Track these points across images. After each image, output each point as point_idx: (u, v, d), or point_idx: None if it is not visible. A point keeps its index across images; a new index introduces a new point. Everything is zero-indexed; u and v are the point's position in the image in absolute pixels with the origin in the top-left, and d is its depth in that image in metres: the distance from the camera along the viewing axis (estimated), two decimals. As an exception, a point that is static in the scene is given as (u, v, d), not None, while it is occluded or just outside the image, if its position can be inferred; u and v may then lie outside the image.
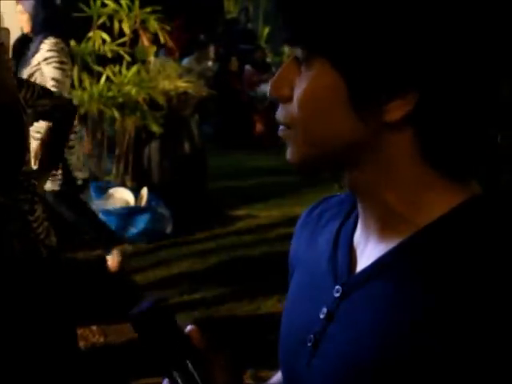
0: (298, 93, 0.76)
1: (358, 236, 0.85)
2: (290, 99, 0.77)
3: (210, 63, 9.01)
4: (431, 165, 0.76)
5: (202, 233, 5.75)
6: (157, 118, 5.80)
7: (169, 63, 6.49)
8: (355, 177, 0.79)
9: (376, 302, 0.77)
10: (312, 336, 0.83)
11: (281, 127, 0.80)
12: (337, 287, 0.83)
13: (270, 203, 6.47)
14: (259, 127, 9.12)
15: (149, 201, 5.72)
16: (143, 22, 5.96)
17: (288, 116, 0.78)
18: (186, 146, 6.32)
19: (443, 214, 0.76)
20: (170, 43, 6.16)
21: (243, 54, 10.44)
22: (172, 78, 6.10)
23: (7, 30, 2.36)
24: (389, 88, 0.72)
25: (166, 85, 5.96)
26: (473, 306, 0.69)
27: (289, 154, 0.80)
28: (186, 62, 8.00)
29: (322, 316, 0.83)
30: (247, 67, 10.03)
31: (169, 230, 5.61)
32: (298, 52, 0.76)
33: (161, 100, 5.78)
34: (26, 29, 5.28)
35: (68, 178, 4.55)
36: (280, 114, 0.79)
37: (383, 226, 0.80)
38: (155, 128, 5.74)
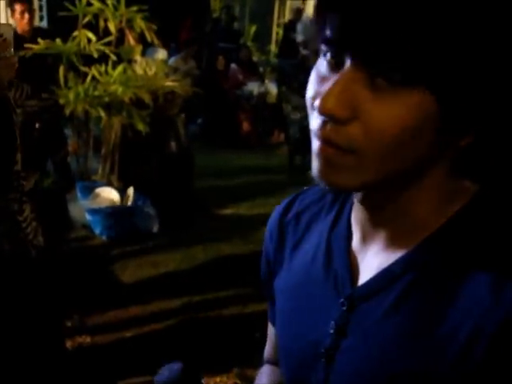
0: (383, 118, 0.67)
1: (357, 242, 0.83)
2: (349, 120, 0.68)
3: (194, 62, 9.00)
4: (461, 176, 0.75)
5: (189, 232, 5.75)
6: (143, 117, 5.79)
7: (155, 62, 6.48)
8: (388, 194, 0.76)
9: (392, 314, 0.75)
10: (323, 351, 0.82)
11: (331, 150, 0.70)
12: (341, 300, 0.81)
13: (257, 202, 6.48)
14: (246, 126, 9.12)
15: (135, 200, 5.72)
16: (129, 21, 5.95)
17: (353, 139, 0.69)
18: (173, 145, 6.32)
19: (451, 217, 0.75)
20: (157, 41, 6.14)
21: (228, 52, 10.44)
22: (158, 77, 6.10)
23: (10, 26, 2.36)
24: (475, 119, 0.70)
25: (152, 84, 5.95)
26: (503, 315, 0.67)
27: (340, 178, 0.71)
28: (172, 61, 7.98)
29: (331, 331, 0.81)
30: (233, 66, 10.02)
31: (155, 229, 5.61)
32: (387, 79, 0.67)
33: (147, 99, 5.76)
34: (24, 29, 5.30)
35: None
36: (337, 135, 0.69)
37: (393, 235, 0.78)
38: (141, 127, 5.73)
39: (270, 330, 1.10)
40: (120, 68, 5.73)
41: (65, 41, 5.56)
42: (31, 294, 2.44)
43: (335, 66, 0.70)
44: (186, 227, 5.81)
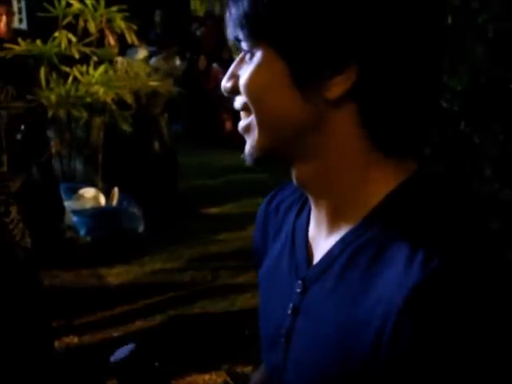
0: (242, 80, 0.80)
1: (312, 229, 0.88)
2: (238, 91, 0.81)
3: (177, 62, 8.99)
4: (374, 143, 0.78)
5: (174, 231, 5.74)
6: (126, 118, 5.77)
7: (136, 62, 6.47)
8: (304, 168, 0.82)
9: (332, 294, 0.79)
10: (284, 331, 0.86)
11: (242, 119, 0.83)
12: (298, 282, 0.86)
13: (241, 201, 6.49)
14: (228, 125, 9.12)
15: (120, 200, 5.70)
16: (109, 21, 5.93)
17: (242, 102, 0.81)
18: (156, 145, 6.31)
19: (385, 197, 0.79)
20: (136, 41, 6.12)
21: (210, 52, 10.43)
22: (140, 77, 6.08)
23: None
24: (327, 65, 0.75)
25: (134, 84, 5.94)
26: (427, 288, 0.68)
27: (247, 147, 0.83)
28: (153, 61, 7.97)
29: (289, 311, 0.86)
30: (214, 65, 10.02)
31: (141, 229, 5.60)
32: (244, 46, 0.80)
33: (129, 99, 5.75)
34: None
35: None
36: (238, 101, 0.82)
37: (333, 217, 0.83)
38: (125, 127, 5.71)
39: None
40: (101, 68, 5.71)
41: (45, 42, 5.53)
42: (19, 295, 2.43)
43: None
44: (171, 227, 5.81)
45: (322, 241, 0.85)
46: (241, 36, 0.79)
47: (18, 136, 2.96)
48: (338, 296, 0.79)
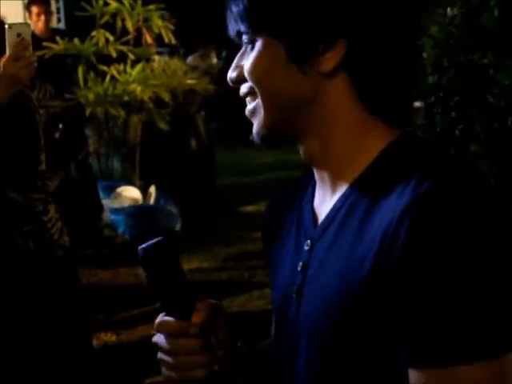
0: (246, 67, 0.91)
1: (317, 199, 0.98)
2: (243, 79, 0.93)
3: (214, 60, 8.99)
4: (367, 108, 0.89)
5: (211, 230, 5.74)
6: (163, 116, 5.79)
7: (173, 61, 6.48)
8: (307, 144, 0.93)
9: (335, 241, 0.90)
10: (295, 288, 0.95)
11: (249, 104, 0.94)
12: (307, 242, 0.95)
13: (278, 198, 6.46)
14: (265, 123, 9.08)
15: (157, 199, 5.72)
16: (146, 20, 5.95)
17: (248, 87, 0.92)
18: (193, 143, 6.32)
19: (378, 155, 0.90)
20: (174, 40, 6.13)
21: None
22: (177, 76, 6.09)
23: (28, 25, 2.36)
24: (319, 42, 0.87)
25: (171, 82, 5.95)
26: (412, 230, 0.78)
27: (255, 128, 0.93)
28: (190, 59, 7.99)
29: (299, 269, 0.95)
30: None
31: (178, 227, 5.61)
32: (245, 39, 0.92)
33: (166, 97, 5.76)
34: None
35: None
36: (245, 87, 0.93)
37: (334, 183, 0.93)
38: (162, 125, 5.73)
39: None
40: (138, 67, 5.73)
41: (83, 41, 5.57)
42: (58, 293, 2.44)
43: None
44: (208, 225, 5.80)
45: (326, 204, 0.95)
46: (242, 29, 0.91)
47: (57, 135, 2.98)
48: (340, 241, 0.89)
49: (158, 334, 0.96)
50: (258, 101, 0.92)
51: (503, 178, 1.77)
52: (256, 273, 4.81)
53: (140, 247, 0.93)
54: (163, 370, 0.96)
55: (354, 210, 0.89)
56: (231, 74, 0.95)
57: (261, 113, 0.92)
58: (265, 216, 1.13)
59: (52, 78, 3.88)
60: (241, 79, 0.93)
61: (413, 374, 0.80)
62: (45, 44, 5.17)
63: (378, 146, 0.90)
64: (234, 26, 0.92)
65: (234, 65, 0.94)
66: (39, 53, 4.77)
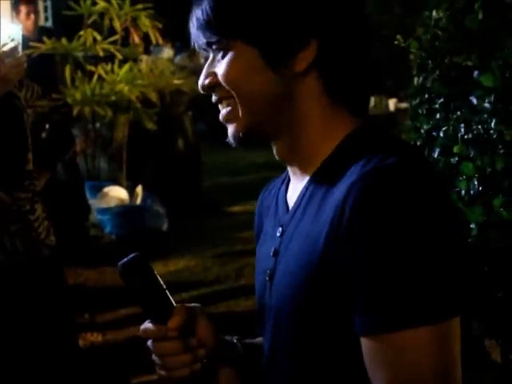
0: (222, 73, 0.95)
1: (290, 191, 1.06)
2: (216, 84, 0.97)
3: (202, 60, 8.98)
4: (332, 102, 0.96)
5: (199, 229, 5.74)
6: (150, 116, 5.78)
7: (161, 61, 6.47)
8: (281, 143, 1.00)
9: (299, 224, 0.97)
10: (268, 272, 1.02)
11: (223, 109, 0.99)
12: (279, 228, 1.03)
13: (266, 199, 6.47)
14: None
15: (144, 199, 5.71)
16: (134, 20, 5.93)
17: (224, 91, 0.96)
18: (180, 144, 6.31)
19: (338, 143, 0.96)
20: (161, 40, 6.13)
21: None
22: (165, 76, 6.09)
23: (18, 26, 2.38)
24: (293, 43, 0.93)
25: (158, 82, 5.94)
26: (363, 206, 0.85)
27: (231, 132, 0.99)
28: (178, 59, 7.98)
29: (271, 254, 1.02)
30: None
31: (164, 227, 5.60)
32: (214, 48, 0.96)
33: (154, 97, 5.76)
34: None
35: None
36: (220, 92, 0.97)
37: (303, 170, 1.00)
38: (149, 125, 5.72)
39: None
40: (126, 67, 5.72)
41: (70, 40, 5.55)
42: (45, 293, 2.44)
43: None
44: (195, 225, 5.80)
45: (296, 193, 1.02)
46: (211, 38, 0.95)
47: (43, 134, 2.97)
48: (301, 224, 0.96)
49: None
50: (234, 105, 0.97)
51: (486, 179, 1.78)
52: (243, 273, 4.82)
53: (119, 263, 1.02)
54: (156, 369, 1.04)
55: (315, 195, 0.96)
56: (203, 81, 0.98)
57: (238, 116, 0.97)
58: (256, 213, 1.21)
59: (39, 78, 3.88)
60: (213, 86, 0.97)
61: (365, 343, 0.86)
62: (32, 44, 5.15)
63: (341, 136, 0.97)
64: (200, 36, 0.96)
65: (204, 73, 0.98)
66: (27, 52, 4.76)
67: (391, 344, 0.84)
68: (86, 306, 4.10)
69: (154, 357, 1.02)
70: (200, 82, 0.99)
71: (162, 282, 1.03)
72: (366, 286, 0.84)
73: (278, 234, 1.02)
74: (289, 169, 1.04)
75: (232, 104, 0.97)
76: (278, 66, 0.94)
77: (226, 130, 1.01)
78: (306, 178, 1.00)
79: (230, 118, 0.98)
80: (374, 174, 0.86)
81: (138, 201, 5.71)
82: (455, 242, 0.86)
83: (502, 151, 1.73)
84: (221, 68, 0.96)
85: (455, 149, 1.82)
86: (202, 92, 1.00)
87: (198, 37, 0.97)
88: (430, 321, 0.82)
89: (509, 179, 1.73)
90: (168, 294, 1.02)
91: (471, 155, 1.79)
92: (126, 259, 1.02)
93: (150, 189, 5.81)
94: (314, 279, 0.90)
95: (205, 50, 0.99)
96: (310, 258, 0.91)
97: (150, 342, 1.01)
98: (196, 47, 1.00)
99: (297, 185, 1.03)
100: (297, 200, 1.00)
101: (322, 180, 0.96)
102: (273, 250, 1.02)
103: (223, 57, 0.96)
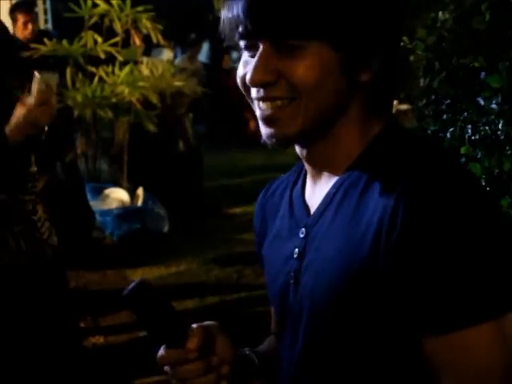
0: (297, 72, 0.92)
1: (309, 191, 1.05)
2: (277, 81, 0.94)
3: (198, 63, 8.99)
4: (367, 107, 0.98)
5: (200, 231, 5.73)
6: (151, 118, 5.78)
7: (161, 62, 6.47)
8: (319, 146, 0.99)
9: (331, 226, 0.97)
10: (292, 274, 1.01)
11: (273, 108, 0.95)
12: (301, 230, 1.01)
13: (266, 200, 6.46)
14: (252, 125, 9.10)
15: (145, 200, 5.71)
16: (135, 22, 5.93)
17: (289, 90, 0.94)
18: (181, 145, 6.31)
19: (367, 145, 0.98)
20: (162, 41, 6.13)
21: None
22: (165, 78, 6.09)
23: (55, 75, 2.53)
24: (372, 54, 0.94)
25: (159, 84, 5.94)
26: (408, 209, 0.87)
27: (282, 130, 0.95)
28: (178, 60, 7.98)
29: (295, 256, 1.01)
30: (237, 65, 9.99)
31: (166, 229, 5.60)
32: (292, 42, 0.92)
33: (154, 99, 5.76)
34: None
35: None
36: (275, 91, 0.94)
37: (328, 171, 1.00)
38: (150, 127, 5.72)
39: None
40: (127, 69, 5.72)
41: (71, 42, 5.55)
42: (50, 293, 2.45)
43: (252, 51, 0.96)
44: (196, 227, 5.80)
45: (318, 195, 1.01)
46: (294, 36, 0.92)
47: (43, 137, 2.99)
48: (337, 225, 0.95)
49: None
50: (296, 105, 0.94)
51: (493, 180, 1.79)
52: (244, 274, 4.81)
53: (123, 294, 0.97)
54: None
55: (349, 195, 0.96)
56: (263, 76, 0.94)
57: (296, 116, 0.94)
58: (256, 215, 1.20)
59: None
60: (273, 82, 0.94)
61: (427, 343, 0.88)
62: (32, 45, 5.14)
63: (370, 137, 0.99)
64: (271, 29, 0.92)
65: (262, 67, 0.94)
66: (27, 54, 4.76)
67: (457, 343, 0.86)
68: (88, 309, 4.10)
69: (174, 382, 1.00)
70: (256, 76, 0.94)
71: (170, 304, 0.99)
72: (428, 288, 0.86)
73: (302, 236, 1.01)
74: (310, 171, 1.04)
75: (292, 103, 0.94)
76: (352, 72, 0.94)
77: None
78: (331, 179, 1.00)
79: (281, 116, 0.95)
80: (425, 182, 0.88)
81: (139, 202, 5.71)
82: (506, 242, 0.90)
83: (509, 152, 1.74)
84: (297, 67, 0.93)
85: (462, 150, 1.83)
86: (251, 86, 0.96)
87: (278, 26, 0.92)
88: (492, 316, 0.86)
89: (516, 180, 1.73)
90: (179, 315, 0.99)
91: (478, 156, 1.79)
92: (128, 289, 0.98)
93: (150, 190, 5.80)
94: (358, 279, 0.91)
95: (257, 41, 0.94)
96: (354, 257, 0.91)
97: (168, 368, 0.99)
98: (242, 34, 0.95)
99: (317, 186, 1.02)
100: (324, 200, 0.99)
101: (355, 180, 0.96)
102: (296, 251, 1.01)
103: (295, 55, 0.93)
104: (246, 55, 0.98)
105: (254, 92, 0.97)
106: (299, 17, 0.90)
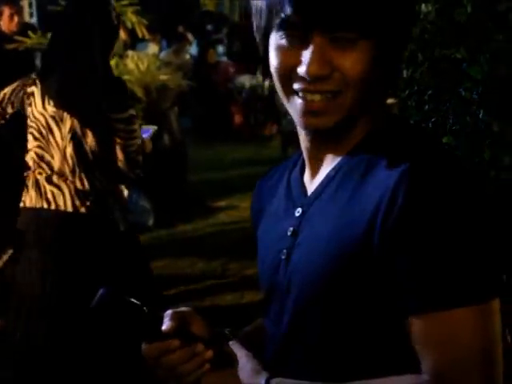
0: (352, 63, 0.95)
1: (307, 174, 1.07)
2: (331, 74, 0.95)
3: (187, 56, 8.98)
4: (378, 98, 1.03)
5: (184, 225, 5.75)
6: (136, 111, 5.76)
7: (146, 56, 6.46)
8: (337, 128, 1.00)
9: (329, 205, 0.99)
10: (285, 251, 1.04)
11: (322, 100, 0.97)
12: (297, 209, 1.04)
13: (250, 194, 6.44)
14: (238, 119, 9.11)
15: (130, 194, 5.69)
16: (120, 15, 5.90)
17: (341, 83, 0.96)
18: (166, 139, 6.31)
19: (368, 132, 1.01)
20: (147, 35, 6.11)
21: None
22: (150, 71, 6.08)
23: (149, 131, 2.77)
24: (401, 52, 1.03)
25: (144, 78, 5.93)
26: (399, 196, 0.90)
27: (320, 122, 0.98)
28: (163, 54, 7.97)
29: (289, 234, 1.04)
30: (223, 59, 10.01)
31: (150, 222, 5.60)
32: (345, 36, 0.95)
33: (139, 93, 5.75)
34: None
35: None
36: (326, 85, 0.96)
37: (328, 156, 1.03)
38: (135, 120, 5.69)
39: None
40: (112, 62, 5.69)
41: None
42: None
43: (300, 41, 0.96)
44: (181, 220, 5.81)
45: (317, 177, 1.04)
46: (349, 27, 0.94)
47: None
48: (334, 205, 0.98)
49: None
50: (344, 96, 0.97)
51: (475, 169, 1.82)
52: (229, 267, 4.83)
53: (91, 307, 0.98)
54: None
55: (349, 177, 0.99)
56: (321, 70, 0.95)
57: (342, 107, 0.98)
58: (253, 199, 1.24)
59: (23, 73, 3.86)
60: (328, 76, 0.96)
61: (413, 322, 0.91)
62: (17, 38, 5.12)
63: (370, 123, 1.02)
64: (326, 21, 0.93)
65: (320, 60, 0.95)
66: (12, 45, 4.74)
67: (440, 323, 0.90)
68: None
69: (162, 372, 1.03)
70: (314, 69, 0.95)
71: (137, 302, 1.00)
72: (418, 269, 0.90)
73: (298, 215, 1.04)
74: (311, 154, 1.05)
75: (339, 96, 0.97)
76: (387, 66, 1.00)
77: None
78: (330, 163, 1.03)
79: (328, 109, 0.98)
80: (423, 168, 0.92)
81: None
82: (493, 233, 0.94)
83: (489, 141, 1.77)
84: (349, 60, 0.95)
85: (444, 139, 1.86)
86: (308, 78, 0.96)
87: (336, 19, 0.93)
88: (476, 301, 0.89)
89: (496, 169, 1.76)
90: (148, 309, 1.00)
91: (459, 145, 1.82)
92: (95, 300, 0.98)
93: (135, 184, 5.80)
94: (350, 257, 0.94)
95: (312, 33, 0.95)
96: (348, 235, 0.94)
97: (154, 361, 1.02)
98: (298, 24, 0.95)
99: (316, 169, 1.05)
100: (323, 181, 1.02)
101: (354, 164, 1.00)
102: (291, 229, 1.04)
103: (346, 48, 0.95)
104: (282, 41, 0.98)
105: (299, 83, 0.97)
106: (354, 10, 0.93)
